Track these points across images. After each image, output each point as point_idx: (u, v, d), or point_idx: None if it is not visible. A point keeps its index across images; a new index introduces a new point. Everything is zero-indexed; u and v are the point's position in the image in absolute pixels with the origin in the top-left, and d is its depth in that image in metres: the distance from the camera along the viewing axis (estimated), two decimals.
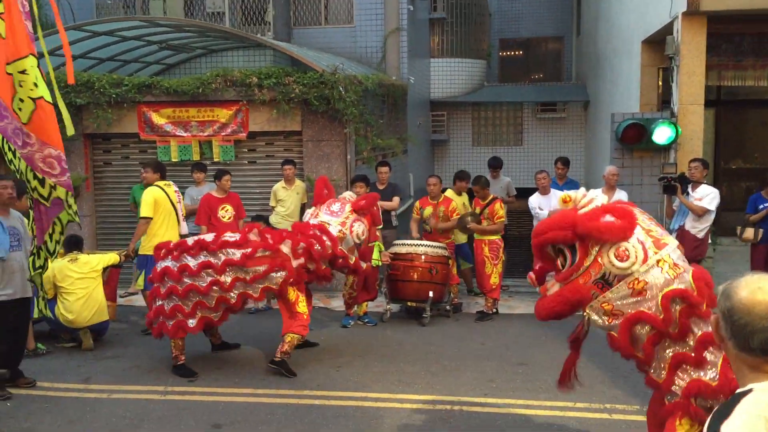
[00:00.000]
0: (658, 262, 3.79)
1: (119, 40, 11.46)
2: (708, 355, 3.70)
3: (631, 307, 3.81)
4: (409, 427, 5.64)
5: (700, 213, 8.10)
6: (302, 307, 6.78)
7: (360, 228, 7.09)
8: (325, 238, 6.76)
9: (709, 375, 3.67)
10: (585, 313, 4.00)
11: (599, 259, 3.81)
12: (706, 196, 8.15)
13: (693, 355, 3.74)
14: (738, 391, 1.75)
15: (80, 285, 7.78)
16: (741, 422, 1.62)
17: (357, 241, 7.12)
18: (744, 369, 1.79)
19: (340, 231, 6.95)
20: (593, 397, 6.17)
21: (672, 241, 3.94)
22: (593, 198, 4.03)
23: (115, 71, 12.12)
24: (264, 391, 6.49)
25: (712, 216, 8.18)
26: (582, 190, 4.16)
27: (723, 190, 12.35)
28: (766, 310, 1.72)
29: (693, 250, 7.94)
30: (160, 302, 6.83)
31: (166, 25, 11.25)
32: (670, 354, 3.83)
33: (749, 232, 8.76)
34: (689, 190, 8.37)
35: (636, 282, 3.77)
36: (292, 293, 6.74)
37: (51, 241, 6.90)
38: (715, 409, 1.74)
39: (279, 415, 5.93)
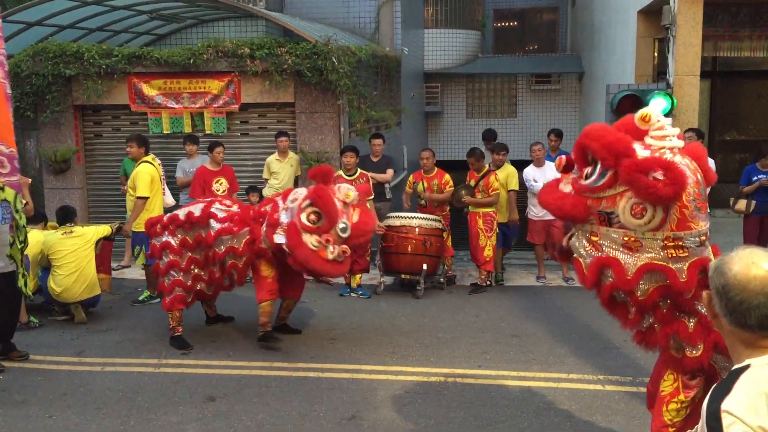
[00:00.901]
0: (666, 239, 3.60)
1: (109, 10, 11.28)
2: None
3: (613, 251, 3.71)
4: (402, 399, 5.65)
5: None
6: (265, 271, 6.66)
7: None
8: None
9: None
10: (571, 231, 3.97)
11: (617, 199, 3.64)
12: None
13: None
14: (735, 367, 1.73)
15: (71, 258, 7.72)
16: (742, 398, 1.60)
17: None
18: (738, 345, 1.77)
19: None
20: (586, 368, 6.19)
21: (702, 226, 3.65)
22: (668, 134, 3.69)
23: (105, 41, 11.95)
24: (258, 363, 6.49)
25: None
26: (659, 116, 3.75)
27: (717, 161, 12.36)
28: (761, 285, 1.69)
29: None
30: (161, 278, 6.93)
31: None
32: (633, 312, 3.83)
33: (742, 204, 8.77)
34: None
35: (633, 239, 3.64)
36: (264, 267, 6.67)
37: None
38: (714, 386, 1.71)
39: (273, 387, 5.93)
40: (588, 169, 3.77)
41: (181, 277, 6.81)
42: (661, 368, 4.05)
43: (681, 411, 3.86)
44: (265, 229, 6.47)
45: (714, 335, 3.65)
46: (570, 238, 4.00)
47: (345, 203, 6.27)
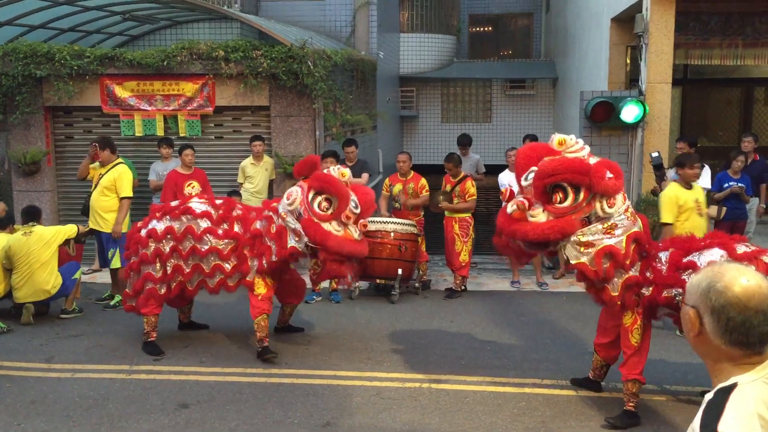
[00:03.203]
0: (626, 209, 5.03)
1: (81, 10, 11.11)
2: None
3: (599, 240, 4.93)
4: (378, 405, 5.63)
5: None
6: (259, 288, 6.47)
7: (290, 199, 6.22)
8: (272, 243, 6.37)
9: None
10: (561, 245, 4.99)
11: (593, 203, 4.92)
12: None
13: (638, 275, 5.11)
14: (720, 386, 1.71)
15: (24, 259, 7.66)
16: (737, 420, 1.59)
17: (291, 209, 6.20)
18: (725, 363, 1.74)
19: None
20: (560, 374, 6.22)
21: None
22: (583, 146, 5.04)
23: (77, 42, 11.77)
24: (231, 369, 6.42)
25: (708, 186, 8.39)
26: (573, 136, 5.08)
27: None
28: (758, 302, 1.68)
29: None
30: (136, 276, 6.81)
31: None
32: (623, 278, 5.06)
33: (713, 210, 8.85)
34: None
35: (609, 225, 4.95)
36: (258, 281, 6.50)
37: None
38: (704, 407, 1.69)
39: (247, 394, 5.88)
40: (559, 195, 4.93)
41: (151, 270, 6.62)
42: (608, 319, 5.52)
43: (639, 332, 5.24)
44: (274, 247, 6.27)
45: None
46: (563, 253, 5.04)
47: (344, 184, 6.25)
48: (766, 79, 13.24)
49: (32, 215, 8.01)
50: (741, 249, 5.08)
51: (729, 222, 8.71)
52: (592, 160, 5.00)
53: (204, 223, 6.56)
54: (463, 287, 9.05)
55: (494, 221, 9.64)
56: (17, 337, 7.41)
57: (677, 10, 9.59)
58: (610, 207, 4.93)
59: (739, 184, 8.75)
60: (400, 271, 8.56)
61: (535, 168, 5.04)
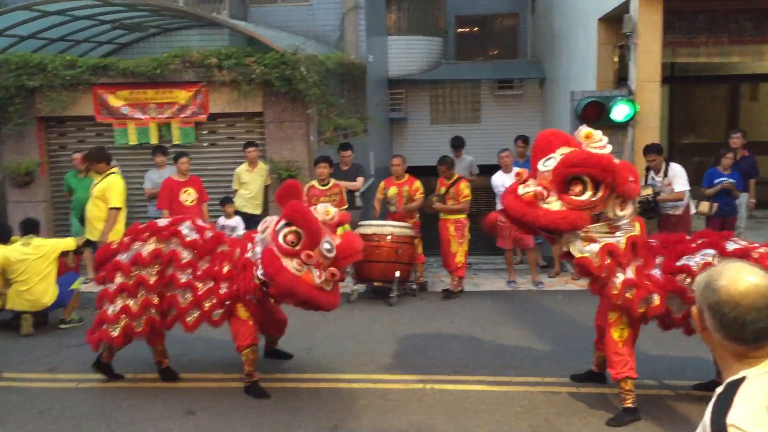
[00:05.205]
0: (628, 216, 5.13)
1: (70, 20, 11.13)
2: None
3: (602, 237, 5.05)
4: (383, 407, 5.70)
5: (683, 197, 8.36)
6: (243, 313, 5.87)
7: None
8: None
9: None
10: (565, 237, 5.09)
11: (607, 203, 5.00)
12: (675, 177, 8.36)
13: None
14: (730, 379, 1.78)
15: (21, 269, 7.68)
16: (746, 412, 1.66)
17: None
18: (729, 357, 1.82)
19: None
20: (561, 371, 6.31)
21: None
22: (606, 143, 5.06)
23: (66, 51, 11.77)
24: (235, 375, 6.44)
25: (688, 191, 8.47)
26: (600, 132, 5.10)
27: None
28: (753, 300, 1.74)
29: (676, 226, 8.07)
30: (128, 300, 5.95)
31: (119, 3, 10.94)
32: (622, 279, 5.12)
33: (704, 206, 9.00)
34: (653, 176, 8.52)
35: (611, 226, 5.07)
36: (241, 309, 5.90)
37: None
38: (714, 400, 1.76)
39: (252, 399, 5.91)
40: (578, 188, 4.96)
41: (130, 303, 5.88)
42: (604, 318, 5.50)
43: (622, 327, 5.30)
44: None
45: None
46: (565, 245, 5.16)
47: (325, 223, 5.58)
48: (751, 75, 13.40)
49: (31, 227, 8.03)
50: (731, 246, 5.18)
51: (720, 218, 8.85)
52: (616, 160, 5.06)
53: (188, 255, 5.92)
54: (460, 288, 9.14)
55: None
56: (19, 349, 7.42)
57: (664, 9, 9.72)
58: (621, 210, 5.04)
59: (730, 180, 8.88)
60: (397, 274, 8.64)
61: (553, 155, 5.05)
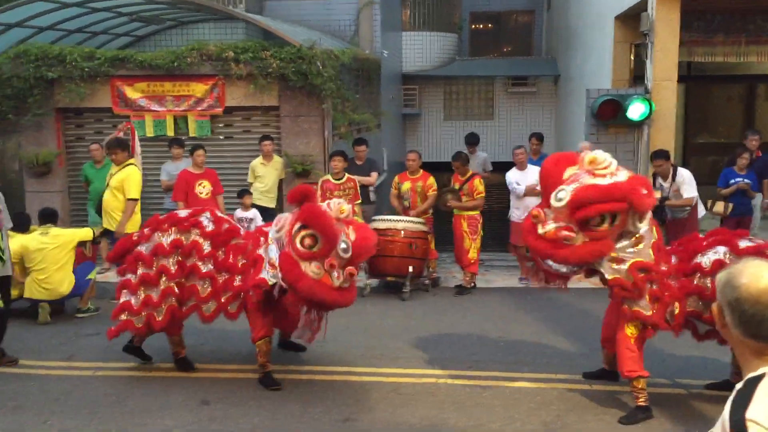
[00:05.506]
0: (649, 221, 5.18)
1: (89, 12, 11.21)
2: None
3: (629, 255, 5.07)
4: (396, 401, 5.74)
5: (691, 203, 8.31)
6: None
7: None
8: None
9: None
10: (596, 264, 5.11)
11: (626, 220, 5.02)
12: (683, 183, 8.28)
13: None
14: (750, 375, 1.80)
15: (39, 257, 7.76)
16: (765, 409, 1.68)
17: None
18: (749, 355, 1.85)
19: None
20: (574, 368, 6.33)
21: None
22: (611, 163, 5.04)
23: (84, 43, 11.87)
24: (249, 367, 6.49)
25: (696, 194, 8.39)
26: (605, 155, 5.09)
27: (691, 163, 12.63)
28: None
29: (683, 230, 8.03)
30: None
31: None
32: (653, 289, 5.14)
33: (720, 206, 8.98)
34: (661, 182, 8.45)
35: (635, 239, 5.09)
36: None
37: None
38: (733, 396, 1.78)
39: (266, 390, 5.98)
40: (596, 220, 4.99)
41: (153, 294, 5.95)
42: (613, 315, 5.57)
43: (638, 325, 5.25)
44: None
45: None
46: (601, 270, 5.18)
47: (339, 220, 5.51)
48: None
49: (49, 217, 8.12)
50: (744, 244, 5.19)
51: (735, 218, 8.83)
52: (621, 175, 5.01)
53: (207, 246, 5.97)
54: (472, 284, 9.17)
55: (501, 218, 9.80)
56: (36, 337, 7.51)
57: (681, 9, 9.70)
58: (641, 222, 5.07)
59: (746, 180, 8.86)
60: (411, 269, 8.68)
61: (565, 187, 5.02)
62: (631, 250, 5.07)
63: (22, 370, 6.51)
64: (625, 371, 5.32)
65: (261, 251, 5.72)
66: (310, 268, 5.37)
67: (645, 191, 5.00)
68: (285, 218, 5.66)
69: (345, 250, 5.41)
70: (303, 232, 5.41)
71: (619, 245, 5.06)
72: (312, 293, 5.36)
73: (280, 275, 5.47)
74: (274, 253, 5.57)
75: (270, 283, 5.59)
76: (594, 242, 5.00)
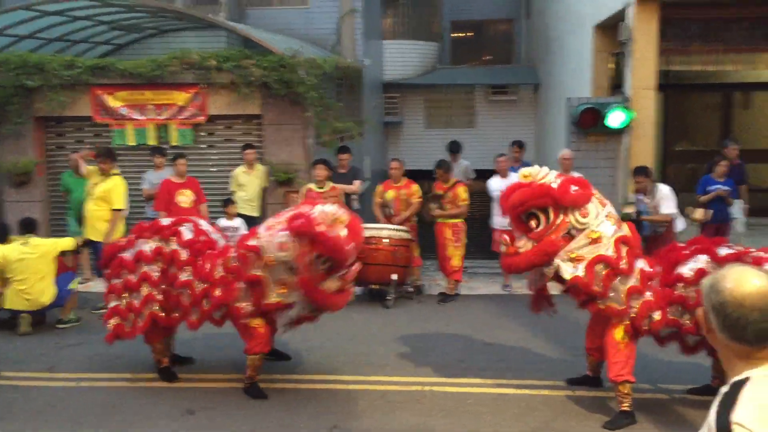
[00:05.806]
0: (606, 216, 5.29)
1: (69, 20, 11.15)
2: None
3: (590, 252, 5.18)
4: (383, 408, 5.75)
5: (668, 219, 8.27)
6: (256, 321, 5.92)
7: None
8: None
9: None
10: (554, 264, 5.24)
11: (566, 218, 5.22)
12: (662, 200, 8.26)
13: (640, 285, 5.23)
14: (735, 379, 1.83)
15: (20, 268, 7.68)
16: (751, 411, 1.70)
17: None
18: (734, 358, 1.87)
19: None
20: (557, 374, 6.38)
21: (608, 201, 5.48)
22: (547, 172, 5.37)
23: (63, 51, 11.79)
24: (235, 376, 6.48)
25: (674, 211, 8.38)
26: (537, 167, 5.48)
27: (671, 171, 12.79)
28: (755, 302, 1.80)
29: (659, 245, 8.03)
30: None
31: (117, 4, 10.97)
32: (627, 286, 5.22)
33: (699, 213, 9.08)
34: (641, 197, 8.43)
35: (592, 233, 5.20)
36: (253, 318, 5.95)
37: None
38: (719, 399, 1.80)
39: (251, 399, 5.95)
40: (533, 222, 5.29)
41: (135, 301, 6.03)
42: (597, 323, 5.67)
43: (625, 336, 5.32)
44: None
45: None
46: (554, 270, 5.29)
47: (332, 227, 5.62)
48: (744, 83, 13.54)
49: (29, 227, 8.04)
50: (723, 251, 5.27)
51: (715, 224, 8.94)
52: (557, 182, 5.31)
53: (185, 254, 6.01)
54: (456, 291, 9.20)
55: (483, 226, 9.84)
56: (17, 347, 7.43)
57: (659, 18, 9.83)
58: (583, 217, 5.21)
59: (725, 188, 8.98)
60: (394, 277, 8.69)
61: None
62: (589, 248, 5.18)
63: (4, 382, 6.44)
64: (612, 375, 5.38)
65: (260, 272, 5.66)
66: (329, 284, 5.70)
67: (575, 187, 5.23)
68: (290, 243, 5.55)
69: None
70: (321, 260, 5.58)
71: (575, 245, 5.20)
72: (326, 304, 5.83)
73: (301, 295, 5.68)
74: (286, 273, 5.63)
75: (283, 303, 5.75)
76: (539, 244, 5.25)
